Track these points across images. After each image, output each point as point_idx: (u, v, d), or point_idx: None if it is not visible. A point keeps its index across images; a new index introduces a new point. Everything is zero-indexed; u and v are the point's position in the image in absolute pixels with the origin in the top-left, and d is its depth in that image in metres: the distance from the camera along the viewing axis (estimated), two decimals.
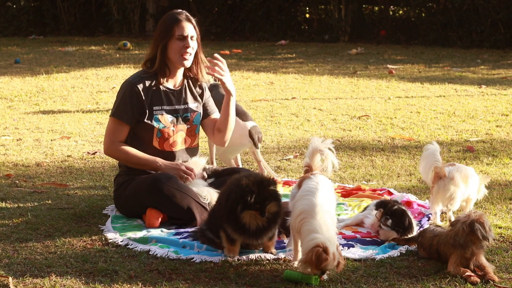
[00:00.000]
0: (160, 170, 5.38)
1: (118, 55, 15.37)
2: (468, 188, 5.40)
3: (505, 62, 14.39)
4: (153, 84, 5.46)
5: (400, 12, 18.84)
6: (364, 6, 19.08)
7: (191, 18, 5.51)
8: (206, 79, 5.65)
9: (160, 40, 5.45)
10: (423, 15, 17.85)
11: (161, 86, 5.49)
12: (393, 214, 4.97)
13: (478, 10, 16.64)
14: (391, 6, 18.61)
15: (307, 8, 19.46)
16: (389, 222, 4.95)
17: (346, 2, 18.12)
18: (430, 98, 10.38)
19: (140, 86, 5.42)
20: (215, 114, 5.74)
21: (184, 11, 5.59)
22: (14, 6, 20.35)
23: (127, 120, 5.43)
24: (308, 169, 4.92)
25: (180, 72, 5.55)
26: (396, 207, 5.04)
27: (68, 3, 19.96)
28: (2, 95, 10.64)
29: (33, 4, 20.23)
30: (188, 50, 5.41)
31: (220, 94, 6.39)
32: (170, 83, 5.54)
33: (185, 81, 5.60)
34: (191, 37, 5.44)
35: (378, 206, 5.21)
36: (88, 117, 9.20)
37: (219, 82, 5.60)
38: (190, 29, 5.44)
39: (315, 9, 19.07)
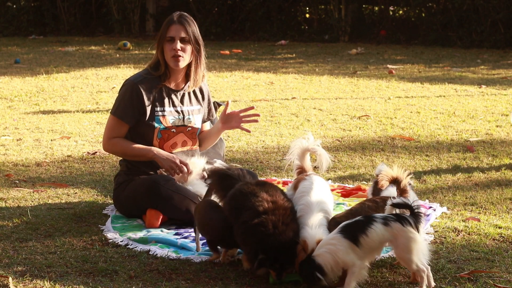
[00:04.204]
0: (154, 159, 5.38)
1: (118, 55, 15.35)
2: None
3: (505, 62, 14.38)
4: (156, 84, 5.45)
5: (400, 12, 18.82)
6: (364, 6, 19.05)
7: (187, 20, 5.44)
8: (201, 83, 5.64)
9: (158, 42, 5.48)
10: (423, 15, 17.83)
11: (163, 87, 5.48)
12: None
13: (478, 10, 16.63)
14: (391, 6, 18.59)
15: (307, 8, 19.44)
16: None
17: (346, 2, 18.11)
18: (430, 98, 10.38)
19: (143, 86, 5.41)
20: (207, 124, 5.80)
21: (182, 12, 5.57)
22: (14, 6, 20.32)
23: (127, 120, 5.43)
24: (301, 171, 4.92)
25: (182, 74, 5.53)
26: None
27: (68, 3, 19.94)
28: (2, 95, 10.64)
29: (33, 4, 20.21)
30: (178, 52, 5.38)
31: None
32: (173, 85, 5.53)
33: (188, 83, 5.58)
34: (181, 39, 5.39)
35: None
36: (88, 117, 9.20)
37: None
38: (179, 31, 5.40)
39: (315, 9, 19.06)
